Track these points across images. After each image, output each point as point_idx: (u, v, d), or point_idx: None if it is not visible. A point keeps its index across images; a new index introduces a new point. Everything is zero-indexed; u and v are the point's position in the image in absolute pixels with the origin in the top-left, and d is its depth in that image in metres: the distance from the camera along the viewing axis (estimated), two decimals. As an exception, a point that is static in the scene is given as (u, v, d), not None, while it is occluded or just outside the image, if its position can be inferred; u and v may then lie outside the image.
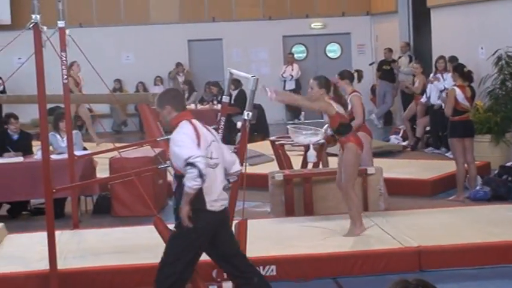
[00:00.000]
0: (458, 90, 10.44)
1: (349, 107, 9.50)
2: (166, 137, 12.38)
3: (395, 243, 7.66)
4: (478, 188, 10.75)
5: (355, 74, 10.38)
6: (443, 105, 11.81)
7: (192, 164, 5.44)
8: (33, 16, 8.43)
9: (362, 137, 8.93)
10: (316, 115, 14.23)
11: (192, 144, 5.66)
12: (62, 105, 10.22)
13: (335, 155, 10.63)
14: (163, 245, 6.35)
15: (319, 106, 8.57)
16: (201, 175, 5.39)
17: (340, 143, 8.57)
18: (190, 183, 5.52)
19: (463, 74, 10.78)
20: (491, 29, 13.61)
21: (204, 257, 6.84)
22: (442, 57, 14.54)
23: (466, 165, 10.65)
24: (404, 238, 7.74)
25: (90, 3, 20.08)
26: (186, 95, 17.52)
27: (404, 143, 15.35)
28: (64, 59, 9.16)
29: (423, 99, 14.40)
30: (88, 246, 7.61)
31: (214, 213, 5.89)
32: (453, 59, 13.35)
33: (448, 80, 12.97)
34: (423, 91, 14.37)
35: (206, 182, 5.54)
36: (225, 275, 6.77)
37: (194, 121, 5.92)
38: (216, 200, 5.88)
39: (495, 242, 7.64)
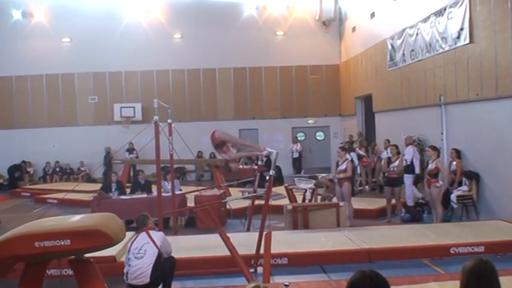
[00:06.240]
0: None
1: (344, 167, 9.84)
2: (226, 184, 12.43)
3: (355, 245, 7.56)
4: (403, 214, 10.63)
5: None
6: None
7: None
8: (154, 117, 8.68)
9: (348, 185, 9.85)
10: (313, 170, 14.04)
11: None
12: (169, 165, 10.33)
13: (319, 194, 10.68)
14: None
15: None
16: None
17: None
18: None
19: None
20: (409, 124, 13.54)
21: (246, 250, 6.83)
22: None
23: (393, 201, 10.51)
24: (360, 242, 7.64)
25: (185, 108, 20.34)
26: (239, 160, 17.43)
27: (360, 188, 15.18)
28: (170, 140, 9.34)
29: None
30: (182, 245, 7.60)
31: None
32: (388, 141, 13.30)
33: (385, 153, 12.87)
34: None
35: None
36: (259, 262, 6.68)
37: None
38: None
39: (413, 245, 7.50)
